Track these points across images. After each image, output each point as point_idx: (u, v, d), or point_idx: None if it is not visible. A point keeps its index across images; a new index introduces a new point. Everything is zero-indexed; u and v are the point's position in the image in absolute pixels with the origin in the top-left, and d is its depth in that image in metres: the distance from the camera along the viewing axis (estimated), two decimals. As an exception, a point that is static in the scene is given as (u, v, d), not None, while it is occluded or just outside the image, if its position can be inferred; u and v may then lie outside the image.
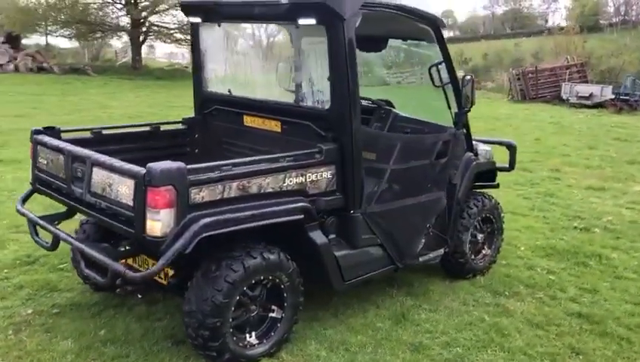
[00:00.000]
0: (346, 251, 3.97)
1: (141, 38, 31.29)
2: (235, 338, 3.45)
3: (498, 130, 15.28)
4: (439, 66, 4.47)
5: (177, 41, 32.23)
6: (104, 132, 4.39)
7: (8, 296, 4.29)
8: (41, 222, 3.80)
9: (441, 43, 4.40)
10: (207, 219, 3.16)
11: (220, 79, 4.68)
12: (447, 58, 4.46)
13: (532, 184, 8.89)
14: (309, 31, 3.84)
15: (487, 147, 5.17)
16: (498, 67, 38.04)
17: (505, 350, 3.91)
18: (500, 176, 8.85)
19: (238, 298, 3.41)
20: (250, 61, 4.46)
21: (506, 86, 27.53)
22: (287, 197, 3.59)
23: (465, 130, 4.72)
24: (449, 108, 4.63)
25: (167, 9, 30.63)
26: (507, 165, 5.41)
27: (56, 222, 3.86)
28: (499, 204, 5.25)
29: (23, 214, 3.98)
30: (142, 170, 3.08)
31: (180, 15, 31.04)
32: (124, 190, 3.20)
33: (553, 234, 6.41)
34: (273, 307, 3.66)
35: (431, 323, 4.21)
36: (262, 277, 3.51)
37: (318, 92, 3.95)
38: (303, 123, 3.99)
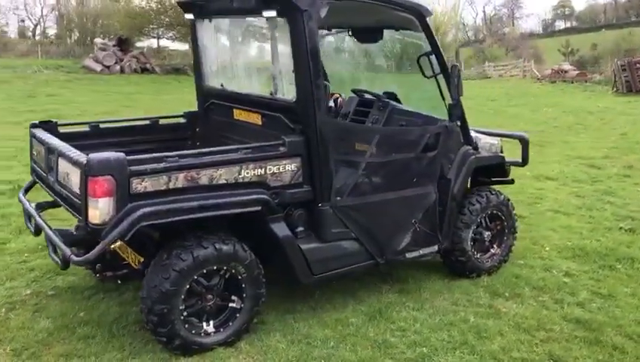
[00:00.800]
0: (314, 244, 3.94)
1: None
2: (187, 325, 3.53)
3: (585, 123, 14.45)
4: (430, 57, 4.32)
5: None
6: (103, 125, 4.64)
7: (17, 277, 4.65)
8: (31, 209, 4.09)
9: (428, 32, 4.23)
10: (147, 209, 3.26)
11: (214, 74, 4.80)
12: (435, 48, 4.29)
13: (594, 181, 8.30)
14: (276, 23, 3.85)
15: (493, 140, 4.91)
16: (608, 58, 35.55)
17: (475, 353, 3.71)
18: (559, 173, 8.47)
19: (188, 286, 3.49)
20: (236, 55, 4.53)
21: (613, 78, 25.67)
22: (245, 188, 3.62)
23: (460, 122, 4.50)
24: (443, 99, 4.46)
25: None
26: (520, 160, 5.11)
27: (39, 210, 4.12)
28: (509, 200, 4.97)
29: (21, 202, 4.31)
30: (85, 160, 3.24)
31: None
32: (75, 179, 3.38)
33: (591, 234, 5.96)
34: (233, 297, 3.71)
35: (407, 321, 4.07)
36: (215, 267, 3.56)
37: (288, 84, 3.94)
38: (276, 115, 4.01)
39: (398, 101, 4.97)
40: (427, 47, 4.32)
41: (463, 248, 4.68)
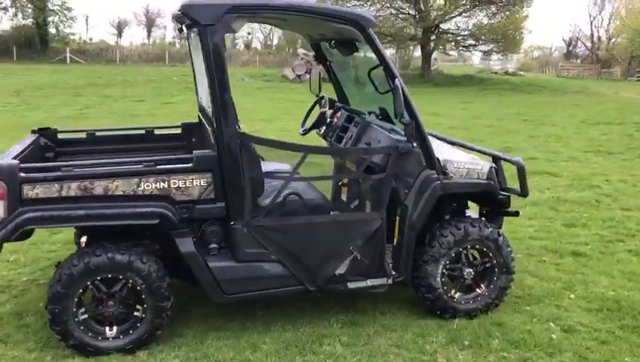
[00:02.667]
0: (226, 263, 3.84)
1: (431, 46, 32.00)
2: (82, 327, 3.68)
3: None
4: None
5: (467, 47, 32.09)
6: (99, 133, 5.03)
7: (33, 264, 5.25)
8: None
9: (371, 43, 3.85)
10: (31, 214, 3.48)
11: (198, 87, 4.91)
12: (383, 61, 3.89)
13: None
14: (196, 38, 3.82)
15: (476, 165, 4.25)
16: None
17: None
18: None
19: (81, 290, 3.64)
20: (198, 69, 4.57)
21: None
22: (145, 201, 3.68)
23: (420, 144, 4.00)
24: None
25: (457, 15, 30.77)
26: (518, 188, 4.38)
27: None
28: (500, 234, 4.28)
29: None
30: None
31: (467, 21, 31.01)
32: None
33: (654, 285, 4.85)
34: (137, 306, 3.79)
35: (321, 356, 3.73)
36: (110, 276, 3.67)
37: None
38: (210, 129, 4.01)
39: (389, 118, 4.58)
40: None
41: (429, 284, 4.17)
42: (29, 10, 46.32)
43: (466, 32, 31.32)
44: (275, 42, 63.29)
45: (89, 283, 3.66)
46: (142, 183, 3.67)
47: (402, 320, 4.25)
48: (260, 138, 3.89)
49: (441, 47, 32.81)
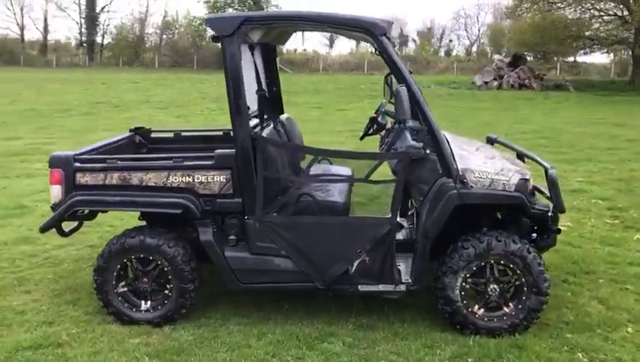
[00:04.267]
0: (240, 254, 4.14)
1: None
2: (120, 298, 4.26)
3: None
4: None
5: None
6: (184, 133, 5.67)
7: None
8: None
9: (383, 50, 3.87)
10: (78, 198, 4.14)
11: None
12: (393, 67, 3.88)
13: None
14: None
15: (502, 175, 3.98)
16: None
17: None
18: None
19: (119, 266, 4.21)
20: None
21: None
22: (172, 192, 4.15)
23: (436, 151, 3.90)
24: (421, 124, 3.98)
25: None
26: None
27: None
28: (532, 252, 3.97)
29: None
30: None
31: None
32: None
33: None
34: (168, 285, 4.27)
35: (315, 351, 3.87)
36: (142, 256, 4.19)
37: None
38: None
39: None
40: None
41: (447, 296, 4.05)
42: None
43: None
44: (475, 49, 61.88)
45: (125, 260, 4.22)
46: (170, 177, 4.14)
47: (419, 329, 4.17)
48: (273, 140, 4.13)
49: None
